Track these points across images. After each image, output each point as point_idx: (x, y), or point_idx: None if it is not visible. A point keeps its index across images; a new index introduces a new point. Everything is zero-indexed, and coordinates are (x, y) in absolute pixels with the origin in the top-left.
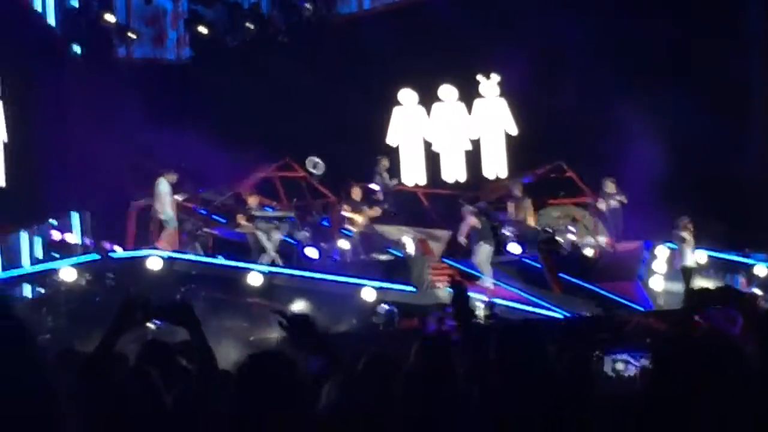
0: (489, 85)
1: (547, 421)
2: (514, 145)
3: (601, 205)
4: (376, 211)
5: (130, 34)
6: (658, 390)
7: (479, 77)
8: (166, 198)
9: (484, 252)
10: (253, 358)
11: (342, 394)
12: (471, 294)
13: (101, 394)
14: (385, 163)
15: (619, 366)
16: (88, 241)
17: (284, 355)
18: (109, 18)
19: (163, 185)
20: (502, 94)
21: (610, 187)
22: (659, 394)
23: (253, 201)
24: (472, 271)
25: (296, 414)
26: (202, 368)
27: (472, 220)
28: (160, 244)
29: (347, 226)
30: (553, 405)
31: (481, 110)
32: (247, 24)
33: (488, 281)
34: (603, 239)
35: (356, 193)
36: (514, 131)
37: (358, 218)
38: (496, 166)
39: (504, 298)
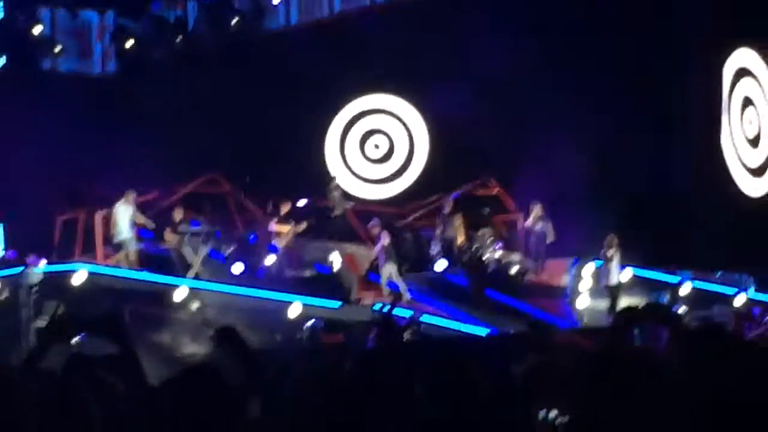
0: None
1: None
2: (440, 161)
3: (529, 224)
4: (301, 226)
5: (56, 47)
6: (586, 409)
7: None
8: (124, 218)
9: (392, 271)
10: (185, 373)
11: (268, 409)
12: (395, 312)
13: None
14: (337, 182)
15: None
16: (10, 254)
17: (213, 370)
18: (36, 30)
19: (122, 206)
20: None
21: (536, 210)
22: (587, 412)
23: (178, 215)
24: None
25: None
26: (131, 382)
27: (385, 241)
28: (108, 262)
29: (275, 240)
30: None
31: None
32: (174, 38)
33: (406, 295)
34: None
35: (285, 208)
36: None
37: (285, 232)
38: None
39: (429, 315)
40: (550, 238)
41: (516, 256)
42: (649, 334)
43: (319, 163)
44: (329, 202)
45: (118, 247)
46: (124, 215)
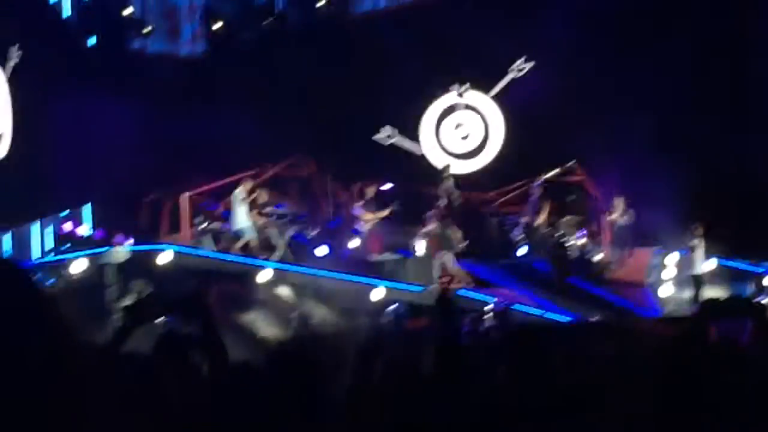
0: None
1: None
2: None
3: (614, 218)
4: (384, 212)
5: (145, 28)
6: (669, 396)
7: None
8: (241, 206)
9: (446, 259)
10: (272, 356)
11: (354, 393)
12: (481, 296)
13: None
14: (449, 170)
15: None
16: (99, 233)
17: (299, 353)
18: (126, 11)
19: (238, 193)
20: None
21: (619, 205)
22: (671, 400)
23: (263, 197)
24: (484, 275)
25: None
26: (215, 364)
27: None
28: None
29: (359, 225)
30: (556, 409)
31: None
32: (263, 20)
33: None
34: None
35: (370, 193)
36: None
37: (371, 217)
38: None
39: (512, 301)
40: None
41: (599, 246)
42: (733, 325)
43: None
44: (440, 191)
45: (237, 235)
46: (241, 203)
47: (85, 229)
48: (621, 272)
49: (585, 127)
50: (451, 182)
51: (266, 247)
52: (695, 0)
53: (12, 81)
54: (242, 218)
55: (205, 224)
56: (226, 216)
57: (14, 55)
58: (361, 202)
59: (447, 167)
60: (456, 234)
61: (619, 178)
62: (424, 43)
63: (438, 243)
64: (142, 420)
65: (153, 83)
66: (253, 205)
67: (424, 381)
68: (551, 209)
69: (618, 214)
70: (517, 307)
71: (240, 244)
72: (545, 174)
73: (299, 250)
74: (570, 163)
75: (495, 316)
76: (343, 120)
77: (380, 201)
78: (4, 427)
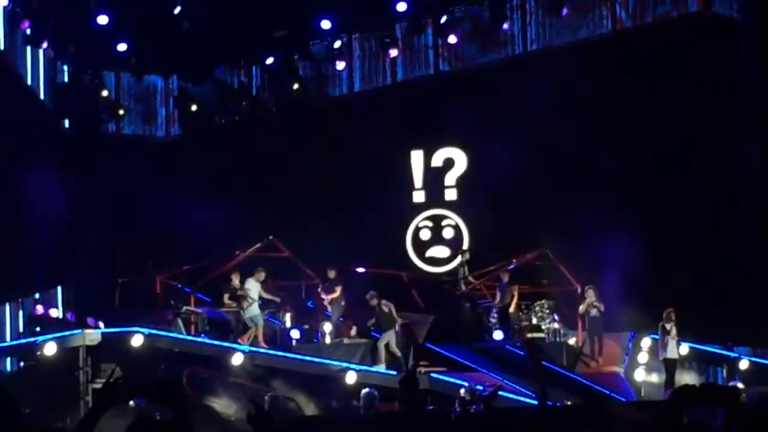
0: None
1: None
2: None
3: (582, 310)
4: (337, 292)
5: (120, 110)
6: None
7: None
8: (254, 294)
9: (391, 339)
10: None
11: None
12: (454, 380)
13: None
14: (466, 255)
15: None
16: (70, 316)
17: None
18: (103, 93)
19: (252, 284)
20: None
21: (590, 295)
22: None
23: (236, 280)
24: (457, 358)
25: None
26: None
27: (387, 309)
28: (242, 340)
29: (329, 307)
30: None
31: None
32: (238, 103)
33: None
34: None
35: (331, 274)
36: None
37: (333, 296)
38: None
39: (486, 385)
40: (602, 311)
41: (573, 330)
42: (706, 411)
43: (381, 229)
44: (457, 276)
45: (250, 322)
46: (254, 291)
47: (56, 312)
48: (594, 364)
49: (560, 210)
50: (465, 267)
51: (239, 329)
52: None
53: None
54: (254, 307)
55: (178, 307)
56: (200, 298)
57: None
58: (325, 285)
59: (464, 252)
60: (394, 313)
61: (591, 261)
62: (399, 122)
63: (384, 323)
64: None
65: (127, 166)
66: (226, 289)
67: None
68: (523, 293)
69: (587, 305)
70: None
71: (252, 332)
72: (517, 258)
73: (273, 332)
74: (541, 249)
75: (481, 400)
76: (317, 200)
77: (346, 281)
78: None
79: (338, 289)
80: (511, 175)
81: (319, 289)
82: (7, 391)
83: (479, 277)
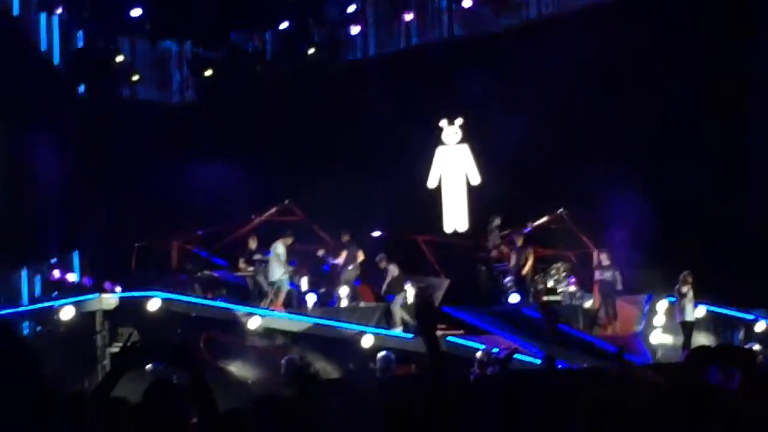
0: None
1: None
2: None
3: (597, 276)
4: (361, 255)
5: (134, 76)
6: None
7: (443, 123)
8: (281, 261)
9: (399, 302)
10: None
11: None
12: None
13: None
14: (497, 221)
15: None
16: (87, 280)
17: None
18: (118, 59)
19: (280, 248)
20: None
21: (603, 258)
22: None
23: (253, 244)
24: (474, 322)
25: None
26: (204, 412)
27: (395, 272)
28: (276, 308)
29: (342, 270)
30: None
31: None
32: (252, 67)
33: (398, 328)
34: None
35: (345, 238)
36: (475, 180)
37: (343, 257)
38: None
39: (501, 348)
40: (618, 286)
41: (589, 293)
42: (723, 373)
43: (391, 193)
44: (488, 242)
45: (273, 286)
46: (283, 255)
47: (73, 276)
48: (610, 328)
49: (573, 175)
50: (497, 233)
51: (256, 293)
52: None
53: None
54: (279, 271)
55: (194, 272)
56: (217, 263)
57: None
58: (336, 249)
59: (495, 218)
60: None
61: (608, 224)
62: (412, 89)
63: (396, 285)
64: None
65: (142, 131)
66: (242, 253)
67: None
68: (539, 256)
69: (600, 269)
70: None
71: (281, 296)
72: (533, 221)
73: (289, 296)
74: (559, 211)
75: (497, 363)
76: (332, 164)
77: (361, 246)
78: None
79: (343, 254)
80: (524, 141)
81: (320, 253)
82: (28, 349)
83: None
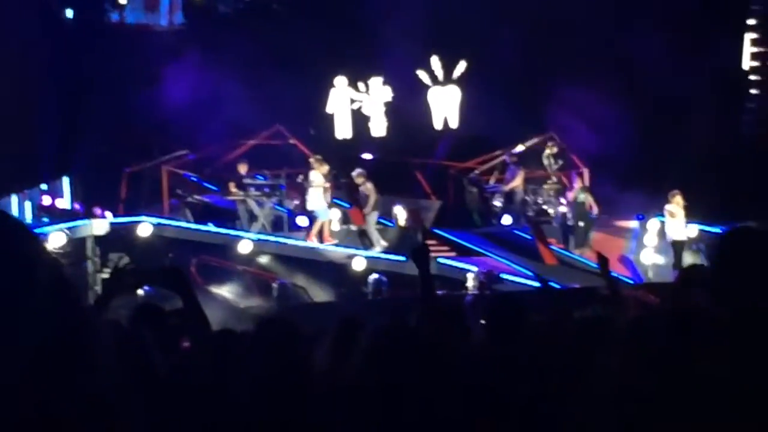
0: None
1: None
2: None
3: (570, 198)
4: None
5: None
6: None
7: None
8: (318, 189)
9: (373, 219)
10: (261, 324)
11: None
12: (463, 264)
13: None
14: (553, 148)
15: None
16: (78, 206)
17: (286, 323)
18: None
19: (316, 176)
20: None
21: (578, 183)
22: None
23: (243, 168)
24: (467, 244)
25: (300, 378)
26: (197, 334)
27: (369, 189)
28: (325, 240)
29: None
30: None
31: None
32: None
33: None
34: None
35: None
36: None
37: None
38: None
39: (494, 269)
40: (594, 210)
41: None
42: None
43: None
44: (544, 159)
45: (312, 216)
46: (319, 182)
47: (63, 202)
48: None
49: (561, 97)
50: (552, 161)
51: (247, 217)
52: None
53: None
54: (317, 200)
55: (185, 196)
56: (207, 187)
57: None
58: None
59: (550, 144)
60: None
61: (596, 145)
62: (408, 14)
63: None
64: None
65: (131, 55)
66: (232, 178)
67: (410, 344)
68: (530, 177)
69: (574, 193)
70: (503, 275)
71: (317, 227)
72: (524, 143)
73: (279, 220)
74: (549, 134)
75: (485, 287)
76: (322, 89)
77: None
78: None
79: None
80: (517, 57)
81: (300, 179)
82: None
83: (485, 161)
